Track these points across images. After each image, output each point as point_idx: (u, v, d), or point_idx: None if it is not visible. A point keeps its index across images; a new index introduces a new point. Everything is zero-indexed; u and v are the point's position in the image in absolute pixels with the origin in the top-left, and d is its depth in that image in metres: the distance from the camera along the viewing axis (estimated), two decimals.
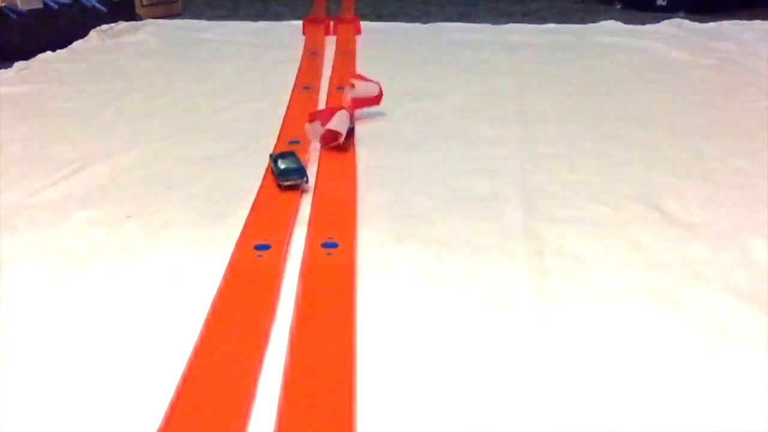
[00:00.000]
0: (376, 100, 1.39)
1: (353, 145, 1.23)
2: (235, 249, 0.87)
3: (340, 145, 1.19)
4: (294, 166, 1.05)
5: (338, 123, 1.21)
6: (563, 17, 2.73)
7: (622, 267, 0.84)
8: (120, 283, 0.80)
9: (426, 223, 0.95)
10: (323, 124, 1.20)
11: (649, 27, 2.15)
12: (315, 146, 1.20)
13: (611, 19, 2.32)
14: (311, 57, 1.84)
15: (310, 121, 1.22)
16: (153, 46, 1.99)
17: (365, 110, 1.38)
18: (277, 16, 2.59)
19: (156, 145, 1.23)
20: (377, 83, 1.38)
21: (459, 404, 0.62)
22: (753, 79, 1.65)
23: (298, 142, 1.21)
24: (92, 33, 2.04)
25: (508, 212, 0.97)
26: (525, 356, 0.68)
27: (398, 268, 0.84)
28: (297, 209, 0.98)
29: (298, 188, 1.03)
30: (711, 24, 2.16)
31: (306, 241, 0.89)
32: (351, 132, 1.25)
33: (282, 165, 1.05)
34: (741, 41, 1.99)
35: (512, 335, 0.71)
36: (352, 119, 1.26)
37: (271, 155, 1.09)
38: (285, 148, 1.20)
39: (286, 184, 1.03)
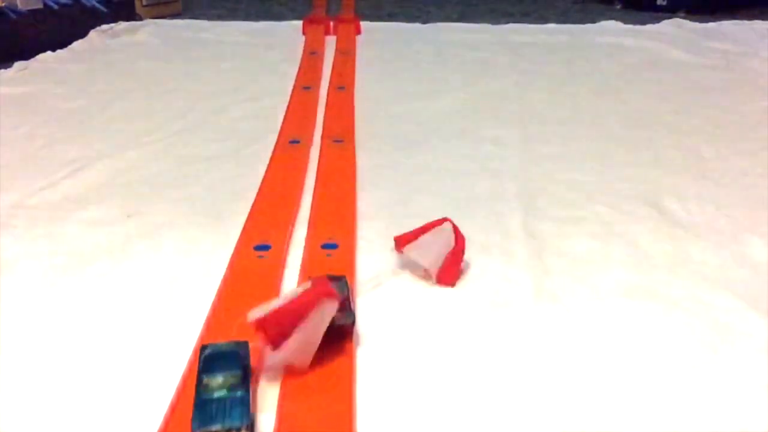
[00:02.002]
0: (457, 258, 0.79)
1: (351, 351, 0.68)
2: (235, 249, 0.87)
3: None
4: (232, 394, 0.55)
5: (304, 346, 0.63)
6: (563, 17, 2.73)
7: (621, 267, 0.84)
8: (120, 283, 0.80)
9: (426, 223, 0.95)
10: (272, 346, 0.62)
11: (649, 27, 2.15)
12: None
13: (611, 19, 2.32)
14: (311, 57, 1.84)
15: (259, 333, 0.62)
16: (153, 46, 1.99)
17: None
18: (277, 16, 2.59)
19: (156, 145, 1.22)
20: (450, 228, 0.80)
21: (459, 404, 0.62)
22: (753, 79, 1.65)
23: (298, 141, 1.21)
24: (92, 33, 2.04)
25: (508, 212, 0.97)
26: (525, 356, 0.68)
27: (398, 269, 0.84)
28: (297, 209, 0.98)
29: None
30: (711, 24, 2.16)
31: (306, 243, 0.89)
32: (348, 328, 0.68)
33: (209, 387, 0.55)
34: (741, 41, 1.99)
35: (512, 335, 0.71)
36: (350, 302, 0.70)
37: (203, 348, 0.60)
38: (285, 147, 1.19)
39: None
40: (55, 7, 2.29)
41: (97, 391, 0.63)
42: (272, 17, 2.45)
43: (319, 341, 0.64)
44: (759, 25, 2.14)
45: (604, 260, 0.85)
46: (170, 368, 0.65)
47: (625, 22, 2.24)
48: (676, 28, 2.15)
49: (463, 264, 0.80)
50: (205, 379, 0.55)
